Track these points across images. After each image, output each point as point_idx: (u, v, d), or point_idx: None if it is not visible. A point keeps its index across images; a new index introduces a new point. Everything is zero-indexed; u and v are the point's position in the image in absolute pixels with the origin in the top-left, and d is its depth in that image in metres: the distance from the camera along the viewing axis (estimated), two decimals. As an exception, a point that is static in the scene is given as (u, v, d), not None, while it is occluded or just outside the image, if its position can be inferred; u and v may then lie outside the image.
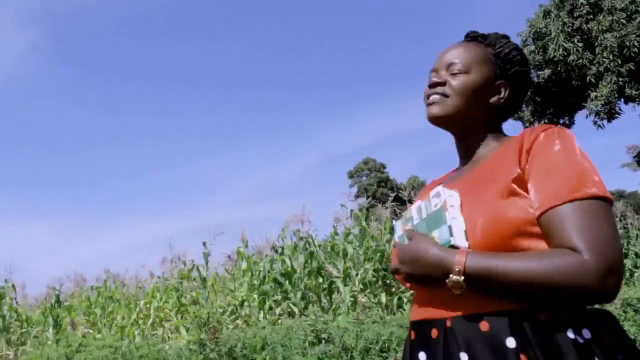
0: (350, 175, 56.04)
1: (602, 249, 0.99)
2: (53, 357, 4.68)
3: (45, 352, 4.91)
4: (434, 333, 1.12)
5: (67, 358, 4.50)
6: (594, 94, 10.47)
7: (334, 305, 6.91)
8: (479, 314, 1.05)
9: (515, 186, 1.08)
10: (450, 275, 1.04)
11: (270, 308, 7.08)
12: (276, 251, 8.08)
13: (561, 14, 11.66)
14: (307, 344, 4.02)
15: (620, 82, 9.93)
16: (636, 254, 8.70)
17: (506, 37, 1.33)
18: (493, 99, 1.27)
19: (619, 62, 9.83)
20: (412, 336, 1.19)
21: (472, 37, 1.33)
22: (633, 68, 9.78)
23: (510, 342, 1.01)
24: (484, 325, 1.04)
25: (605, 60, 10.17)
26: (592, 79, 11.03)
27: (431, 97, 1.27)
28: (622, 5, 10.00)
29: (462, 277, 1.03)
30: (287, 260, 7.56)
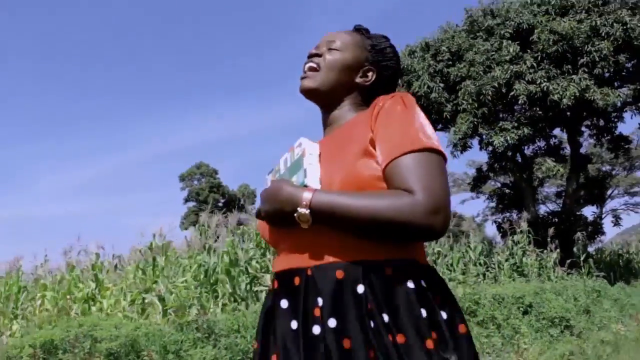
0: (182, 179, 54.77)
1: (431, 191, 1.11)
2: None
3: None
4: (297, 281, 1.20)
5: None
6: (453, 128, 12.22)
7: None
8: (336, 263, 1.16)
9: (370, 147, 1.20)
10: (298, 209, 1.14)
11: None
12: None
13: (426, 56, 13.36)
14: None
15: (475, 122, 11.78)
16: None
17: (386, 37, 1.47)
18: (359, 79, 1.40)
19: (476, 105, 11.66)
20: (276, 285, 1.27)
21: (357, 29, 1.47)
22: (486, 112, 11.68)
23: (360, 289, 1.13)
24: (339, 274, 1.15)
25: (464, 102, 11.95)
26: (447, 116, 12.80)
27: (305, 70, 1.41)
28: (481, 59, 11.89)
29: (308, 210, 1.14)
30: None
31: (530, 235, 10.45)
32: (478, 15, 12.85)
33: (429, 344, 1.11)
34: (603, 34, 10.96)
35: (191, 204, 53.74)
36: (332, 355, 1.11)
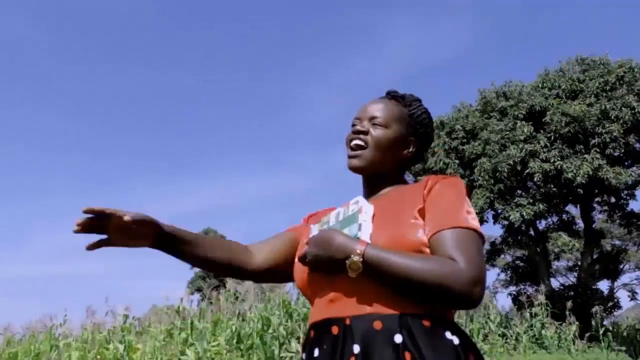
0: (190, 245, 54.70)
1: (473, 264, 1.18)
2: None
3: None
4: (335, 330, 1.24)
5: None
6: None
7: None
8: (375, 314, 1.21)
9: (419, 216, 1.29)
10: (351, 256, 1.20)
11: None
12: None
13: (441, 133, 14.08)
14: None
15: (491, 197, 12.31)
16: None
17: (419, 100, 1.53)
18: (403, 153, 1.46)
19: (492, 181, 12.24)
20: (312, 335, 1.32)
21: (393, 96, 1.51)
22: (502, 188, 12.23)
23: (398, 338, 1.17)
24: (377, 324, 1.19)
25: (480, 178, 12.54)
26: (464, 191, 13.31)
27: (353, 147, 1.45)
28: (496, 138, 12.57)
29: (361, 259, 1.19)
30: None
31: (548, 307, 10.70)
32: (491, 97, 13.66)
33: None
34: (612, 117, 11.68)
35: (197, 270, 53.70)
36: None
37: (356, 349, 1.19)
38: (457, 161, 13.42)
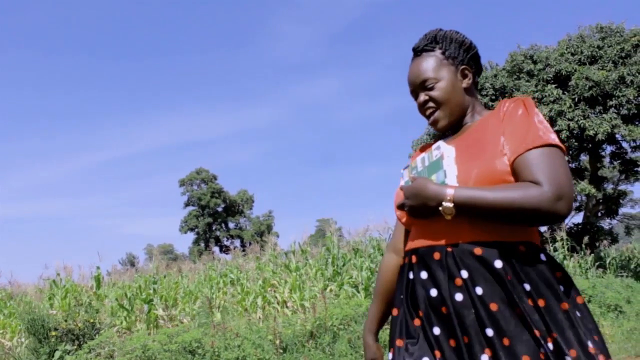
0: (182, 183, 55.92)
1: (555, 181, 1.26)
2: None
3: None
4: (437, 255, 1.37)
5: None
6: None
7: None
8: (474, 242, 1.33)
9: (501, 146, 1.35)
10: (443, 203, 1.31)
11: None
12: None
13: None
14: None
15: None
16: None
17: (440, 33, 1.56)
18: (465, 86, 1.52)
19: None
20: (414, 260, 1.43)
21: (422, 50, 1.56)
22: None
23: (498, 264, 1.30)
24: (477, 251, 1.32)
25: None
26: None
27: (430, 116, 1.54)
28: (529, 90, 14.38)
29: (452, 204, 1.30)
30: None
31: (568, 242, 12.91)
32: (520, 60, 15.38)
33: (564, 305, 1.30)
34: (628, 82, 13.65)
35: (191, 208, 55.19)
36: (482, 317, 1.28)
37: (464, 273, 1.32)
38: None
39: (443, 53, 1.53)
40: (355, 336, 4.76)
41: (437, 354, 1.34)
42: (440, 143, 1.45)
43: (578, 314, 1.32)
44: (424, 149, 1.65)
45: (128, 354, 3.85)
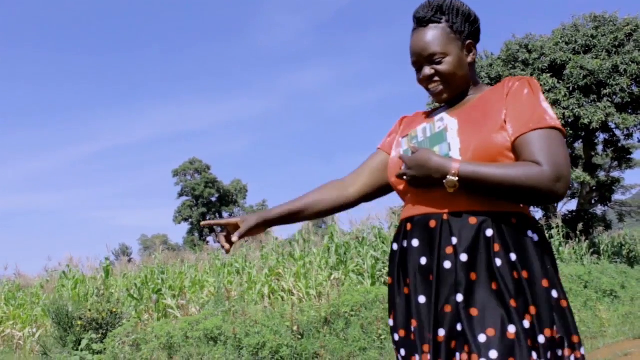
0: (175, 174, 55.88)
1: (554, 163, 1.31)
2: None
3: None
4: (432, 223, 1.40)
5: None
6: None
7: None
8: (469, 211, 1.37)
9: (503, 122, 1.38)
10: (448, 177, 1.34)
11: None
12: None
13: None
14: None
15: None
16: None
17: (447, 4, 1.51)
18: (469, 60, 1.53)
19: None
20: (409, 227, 1.45)
21: (428, 21, 1.51)
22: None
23: (489, 232, 1.34)
24: (472, 220, 1.36)
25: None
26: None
27: (433, 89, 1.53)
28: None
29: (457, 178, 1.33)
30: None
31: (564, 229, 13.16)
32: (515, 49, 15.55)
33: (545, 282, 1.35)
34: (622, 71, 13.87)
35: (185, 198, 55.23)
36: (460, 285, 1.33)
37: (454, 240, 1.36)
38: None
39: (450, 27, 1.50)
40: (367, 322, 4.95)
41: (414, 322, 1.40)
42: (444, 115, 1.46)
43: (555, 294, 1.36)
44: (417, 116, 1.68)
45: (153, 340, 4.00)
